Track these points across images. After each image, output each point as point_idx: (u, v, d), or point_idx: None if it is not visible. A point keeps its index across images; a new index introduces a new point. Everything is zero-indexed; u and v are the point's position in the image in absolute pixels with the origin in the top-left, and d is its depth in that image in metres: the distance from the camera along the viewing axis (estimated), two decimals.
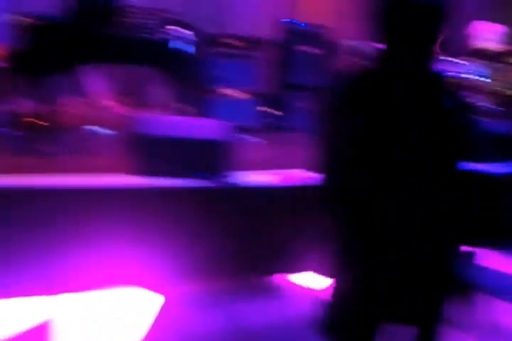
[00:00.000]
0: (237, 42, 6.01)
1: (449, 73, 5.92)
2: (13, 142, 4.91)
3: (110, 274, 3.26)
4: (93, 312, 3.11)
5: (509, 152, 4.04)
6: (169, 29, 4.68)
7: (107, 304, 3.19)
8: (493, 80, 5.81)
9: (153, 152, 3.51)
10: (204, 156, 3.50)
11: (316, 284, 3.48)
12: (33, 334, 2.91)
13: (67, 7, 4.45)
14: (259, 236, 3.53)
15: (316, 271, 3.54)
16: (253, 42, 6.11)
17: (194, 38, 5.84)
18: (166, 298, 3.33)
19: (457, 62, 5.94)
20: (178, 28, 4.73)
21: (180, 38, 4.74)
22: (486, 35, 6.07)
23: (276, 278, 3.73)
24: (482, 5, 7.84)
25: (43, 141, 4.15)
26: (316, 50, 6.36)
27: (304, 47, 6.32)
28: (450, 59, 6.04)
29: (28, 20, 4.35)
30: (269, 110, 6.08)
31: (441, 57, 5.98)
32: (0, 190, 3.09)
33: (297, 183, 3.59)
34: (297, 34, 6.37)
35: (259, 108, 6.07)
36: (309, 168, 3.26)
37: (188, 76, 5.40)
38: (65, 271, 3.17)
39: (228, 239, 3.52)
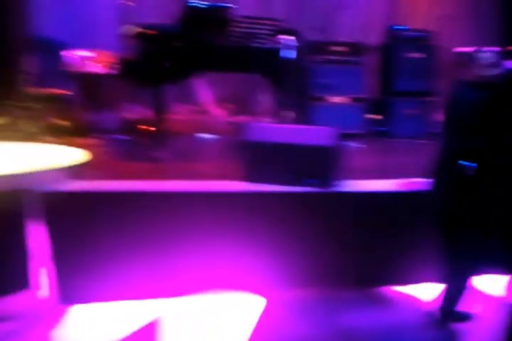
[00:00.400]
0: (342, 49, 5.94)
1: None
2: (124, 148, 5.14)
3: (216, 277, 3.29)
4: (198, 315, 3.13)
5: None
6: (278, 38, 4.68)
7: (212, 307, 3.21)
8: None
9: (261, 158, 3.51)
10: (313, 163, 3.44)
11: (428, 295, 3.34)
12: (141, 336, 2.97)
13: (180, 17, 4.57)
14: (371, 245, 3.42)
15: (430, 281, 3.38)
16: (358, 49, 6.01)
17: (301, 46, 5.85)
18: (270, 302, 3.30)
19: None
20: (287, 37, 4.72)
21: (289, 46, 4.72)
22: None
23: (388, 289, 3.59)
24: None
25: (154, 147, 4.28)
26: (421, 55, 6.16)
27: (409, 53, 6.15)
28: None
29: (140, 30, 4.48)
30: (374, 116, 5.93)
31: None
32: (112, 194, 3.21)
33: (412, 190, 3.45)
34: (402, 39, 6.22)
35: (364, 114, 5.95)
36: (420, 175, 3.09)
37: (295, 83, 5.39)
38: (173, 274, 3.24)
39: (339, 247, 3.43)
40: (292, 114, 5.43)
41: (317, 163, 3.45)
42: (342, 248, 3.45)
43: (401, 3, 6.82)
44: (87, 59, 5.36)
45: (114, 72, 5.14)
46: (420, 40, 6.26)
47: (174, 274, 3.25)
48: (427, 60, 6.24)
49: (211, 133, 5.18)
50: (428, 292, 3.41)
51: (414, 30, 6.31)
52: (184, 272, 3.26)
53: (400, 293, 3.50)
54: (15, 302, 2.70)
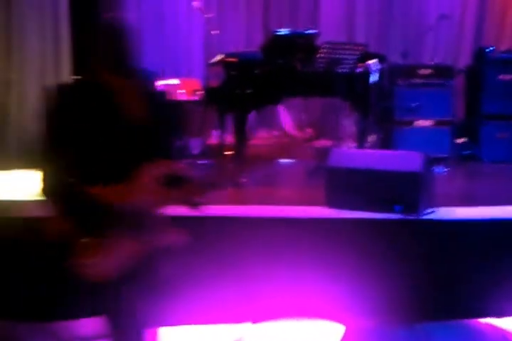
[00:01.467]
0: (428, 72, 5.80)
1: None
2: (207, 172, 5.17)
3: (297, 304, 3.22)
4: None
5: None
6: (365, 63, 4.65)
7: (292, 333, 3.16)
8: None
9: (347, 184, 3.44)
10: (400, 189, 3.33)
11: None
12: None
13: (264, 45, 4.66)
14: (461, 275, 3.25)
15: None
16: (444, 71, 5.84)
17: (386, 70, 5.78)
18: (350, 330, 3.21)
19: None
20: (371, 61, 4.67)
21: (373, 70, 4.67)
22: None
23: (478, 321, 3.40)
24: None
25: (237, 172, 4.29)
26: (510, 77, 5.90)
27: (498, 75, 5.90)
28: None
29: (223, 57, 4.59)
30: (463, 140, 5.72)
31: None
32: (195, 218, 3.20)
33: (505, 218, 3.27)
34: (491, 61, 5.98)
35: (451, 138, 5.74)
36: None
37: (379, 107, 5.31)
38: (255, 300, 3.22)
39: (424, 277, 3.29)
40: (375, 139, 5.33)
41: (405, 190, 3.34)
42: (428, 278, 3.30)
43: (488, 24, 6.60)
44: (173, 87, 5.55)
45: (199, 98, 5.31)
46: (509, 61, 6.01)
47: (256, 299, 3.23)
48: None
49: (293, 158, 5.16)
50: None
51: (503, 52, 6.06)
52: (266, 298, 3.24)
53: (491, 326, 3.31)
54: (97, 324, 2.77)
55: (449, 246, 3.29)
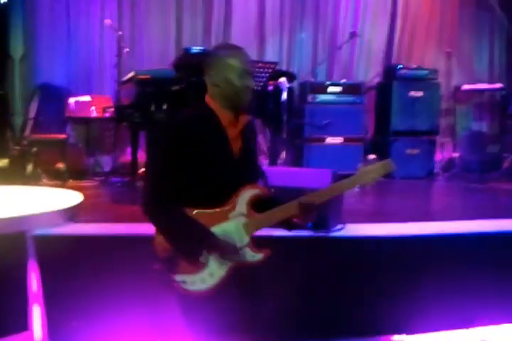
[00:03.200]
0: (338, 89, 5.85)
1: None
2: (120, 190, 5.00)
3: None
4: None
5: None
6: (275, 80, 4.61)
7: None
8: None
9: None
10: None
11: None
12: None
13: (177, 62, 4.55)
14: (368, 291, 3.20)
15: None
16: (355, 89, 5.92)
17: (297, 87, 5.78)
18: None
19: None
20: (282, 79, 4.64)
21: (284, 88, 4.64)
22: None
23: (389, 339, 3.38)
24: None
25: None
26: (421, 94, 6.06)
27: (408, 91, 6.04)
28: None
29: (135, 75, 4.45)
30: (374, 157, 5.77)
31: None
32: (106, 237, 3.00)
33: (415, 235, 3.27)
34: (401, 78, 6.12)
35: (361, 154, 5.79)
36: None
37: (291, 125, 5.28)
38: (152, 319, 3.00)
39: (334, 291, 3.22)
40: (287, 156, 5.29)
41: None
42: (338, 294, 3.22)
43: (398, 42, 6.79)
44: (84, 104, 5.49)
45: (110, 115, 5.12)
46: (419, 79, 6.18)
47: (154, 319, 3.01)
48: (427, 98, 6.13)
49: None
50: None
51: (412, 69, 6.22)
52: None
53: None
54: None
55: (357, 263, 3.23)
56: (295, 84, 5.68)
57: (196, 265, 1.91)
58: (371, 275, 3.20)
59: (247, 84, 1.97)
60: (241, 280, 2.00)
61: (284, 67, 6.09)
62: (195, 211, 1.93)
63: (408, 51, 6.77)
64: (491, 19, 7.08)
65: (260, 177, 2.27)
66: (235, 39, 6.15)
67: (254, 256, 1.99)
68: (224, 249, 1.92)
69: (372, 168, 2.08)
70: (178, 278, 1.91)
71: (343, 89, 5.92)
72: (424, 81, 6.17)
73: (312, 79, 6.01)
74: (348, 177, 2.09)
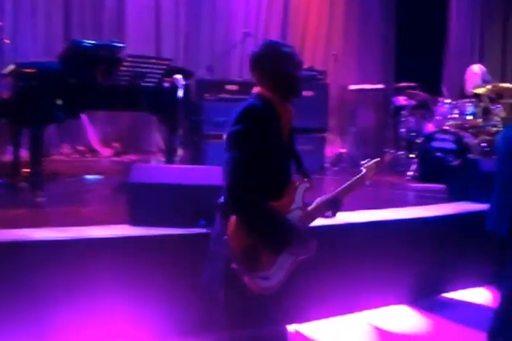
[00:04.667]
0: (234, 87, 5.96)
1: (449, 115, 5.94)
2: (1, 193, 4.77)
3: (101, 328, 3.02)
4: None
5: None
6: (169, 77, 4.62)
7: None
8: (484, 119, 5.87)
9: (150, 201, 3.33)
10: (203, 203, 3.31)
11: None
12: None
13: (64, 56, 4.39)
14: None
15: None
16: (251, 87, 6.04)
17: (192, 84, 5.81)
18: None
19: (456, 104, 5.99)
20: (177, 75, 4.66)
21: (179, 84, 4.66)
22: (479, 76, 6.18)
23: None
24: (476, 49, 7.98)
25: (32, 191, 3.98)
26: (311, 93, 6.31)
27: (303, 91, 6.23)
28: (450, 101, 6.06)
29: (17, 68, 4.23)
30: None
31: (445, 101, 6.04)
32: None
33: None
34: None
35: None
36: None
37: (186, 122, 5.31)
38: (55, 324, 2.96)
39: None
40: (184, 153, 5.33)
41: (208, 204, 3.33)
42: None
43: (290, 43, 7.01)
44: None
45: None
46: (309, 79, 6.42)
47: (54, 324, 2.96)
48: (316, 97, 6.39)
49: (98, 174, 4.94)
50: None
51: (304, 69, 6.45)
52: (70, 322, 2.98)
53: (298, 333, 3.44)
54: None
55: None
56: (192, 81, 5.73)
57: (273, 258, 1.94)
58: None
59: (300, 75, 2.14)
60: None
61: (180, 65, 6.13)
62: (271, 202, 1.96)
63: (299, 52, 7.03)
64: (375, 25, 7.51)
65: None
66: (129, 35, 6.12)
67: (310, 249, 2.06)
68: (303, 240, 1.98)
69: (372, 165, 2.36)
70: (258, 274, 1.91)
71: (240, 87, 6.04)
72: (313, 81, 6.44)
73: (209, 77, 6.09)
74: (358, 176, 2.34)
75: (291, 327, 3.40)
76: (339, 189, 2.23)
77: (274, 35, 6.92)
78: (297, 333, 3.37)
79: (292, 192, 2.07)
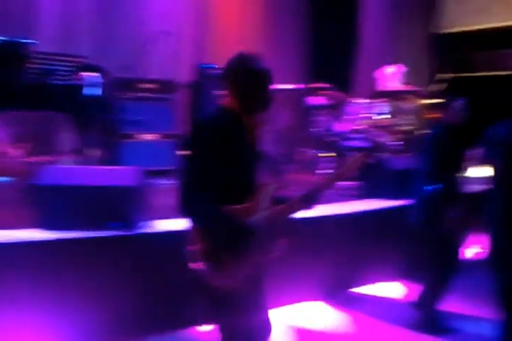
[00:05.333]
0: (151, 86, 5.89)
1: (362, 114, 6.14)
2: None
3: (15, 333, 2.94)
4: None
5: (410, 187, 4.13)
6: (81, 74, 4.48)
7: None
8: (395, 118, 6.12)
9: (59, 203, 3.23)
10: (114, 205, 3.26)
11: None
12: None
13: None
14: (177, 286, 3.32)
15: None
16: (167, 86, 6.00)
17: (107, 83, 5.67)
18: None
19: (368, 103, 6.19)
20: (90, 73, 4.53)
21: (92, 83, 4.54)
22: (390, 76, 6.41)
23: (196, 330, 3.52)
24: (388, 49, 8.28)
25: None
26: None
27: (216, 90, 6.28)
28: (362, 101, 6.26)
29: None
30: (185, 152, 5.91)
31: (355, 100, 6.24)
32: None
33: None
34: (210, 77, 6.34)
35: (175, 150, 5.90)
36: None
37: (101, 121, 5.18)
38: None
39: (148, 288, 3.29)
40: (99, 153, 5.20)
41: (119, 205, 3.28)
42: (152, 291, 3.30)
43: (209, 41, 7.02)
44: None
45: None
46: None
47: None
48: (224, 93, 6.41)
49: (6, 176, 4.72)
50: None
51: (221, 69, 6.45)
52: None
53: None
54: None
55: (165, 257, 3.33)
56: (107, 79, 5.59)
57: (237, 257, 2.03)
58: (181, 268, 3.32)
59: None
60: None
61: (95, 62, 5.96)
62: (226, 207, 2.02)
63: (219, 52, 7.04)
64: (290, 26, 7.63)
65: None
66: (41, 32, 5.88)
67: (276, 248, 2.17)
68: (259, 239, 2.06)
69: (355, 159, 2.39)
70: (224, 273, 2.02)
71: (156, 86, 5.97)
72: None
73: (125, 76, 5.97)
74: (340, 169, 2.46)
75: (205, 328, 3.43)
76: (313, 186, 2.29)
77: (192, 34, 6.89)
78: (212, 333, 3.37)
79: (258, 194, 2.14)
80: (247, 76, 2.17)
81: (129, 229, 3.27)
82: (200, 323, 3.46)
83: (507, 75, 7.72)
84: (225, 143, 2.07)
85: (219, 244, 2.02)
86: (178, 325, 3.47)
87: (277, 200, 2.22)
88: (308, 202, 2.26)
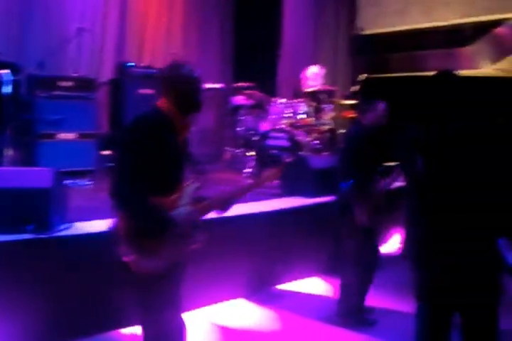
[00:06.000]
0: (69, 84, 5.72)
1: (284, 114, 6.24)
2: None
3: None
4: None
5: (330, 184, 4.27)
6: None
7: None
8: (315, 118, 6.27)
9: None
10: (31, 207, 3.15)
11: None
12: None
13: None
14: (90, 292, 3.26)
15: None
16: (86, 84, 5.85)
17: (22, 80, 5.47)
18: None
19: (290, 103, 6.30)
20: (6, 71, 4.35)
21: (9, 81, 4.36)
22: (312, 77, 6.55)
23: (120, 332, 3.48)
24: (310, 50, 8.46)
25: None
26: (151, 91, 6.25)
27: (138, 89, 6.19)
28: (284, 101, 6.36)
29: None
30: (108, 153, 5.81)
31: (280, 100, 6.33)
32: None
33: None
34: (131, 75, 6.25)
35: (95, 150, 5.77)
36: None
37: (16, 120, 4.99)
38: None
39: (68, 292, 3.21)
40: (15, 154, 5.02)
41: (35, 207, 3.18)
42: (71, 295, 3.23)
43: (129, 40, 6.91)
44: None
45: None
46: (149, 77, 6.36)
47: None
48: (157, 95, 6.35)
49: None
50: None
51: (144, 67, 6.38)
52: None
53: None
54: None
55: (83, 261, 3.26)
56: (22, 77, 5.39)
57: (159, 243, 2.27)
58: (101, 270, 3.26)
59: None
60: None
61: (8, 59, 5.73)
62: (154, 199, 2.26)
63: (139, 50, 6.95)
64: (214, 24, 7.64)
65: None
66: None
67: (196, 240, 2.39)
68: (181, 230, 2.30)
69: (270, 172, 2.67)
70: (146, 256, 2.26)
71: (75, 84, 5.80)
72: (154, 79, 6.39)
73: (41, 73, 5.77)
74: (257, 179, 2.70)
75: (128, 330, 3.39)
76: (231, 191, 2.56)
77: (112, 32, 6.74)
78: (134, 336, 3.34)
79: (182, 190, 2.39)
80: (182, 83, 2.42)
81: (45, 231, 3.17)
82: (125, 325, 3.42)
83: (423, 76, 8.06)
84: (158, 142, 2.29)
85: (144, 230, 2.26)
86: (101, 327, 3.41)
87: (198, 199, 2.45)
88: (223, 206, 2.54)
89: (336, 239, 4.08)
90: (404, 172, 2.84)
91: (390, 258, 5.26)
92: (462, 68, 7.66)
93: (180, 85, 2.41)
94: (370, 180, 3.72)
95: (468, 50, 7.67)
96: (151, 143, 2.26)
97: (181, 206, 2.36)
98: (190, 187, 2.42)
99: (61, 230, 3.28)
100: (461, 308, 2.55)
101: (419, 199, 2.68)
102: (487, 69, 7.35)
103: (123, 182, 2.26)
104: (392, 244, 5.85)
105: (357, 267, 3.79)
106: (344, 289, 3.83)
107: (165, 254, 2.30)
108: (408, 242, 2.97)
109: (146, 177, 2.26)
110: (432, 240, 2.55)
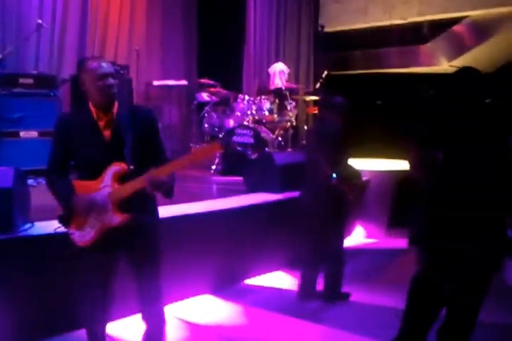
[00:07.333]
0: (30, 81, 5.63)
1: (248, 111, 6.28)
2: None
3: None
4: None
5: (295, 180, 4.34)
6: None
7: None
8: (279, 115, 6.34)
9: None
10: None
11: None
12: None
13: None
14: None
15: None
16: (47, 81, 5.77)
17: None
18: None
19: (254, 100, 6.34)
20: None
21: None
22: (276, 74, 6.61)
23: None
24: (275, 47, 8.51)
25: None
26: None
27: None
28: (249, 98, 6.40)
29: None
30: None
31: (243, 97, 6.36)
32: None
33: None
34: None
35: None
36: None
37: None
38: None
39: (29, 293, 3.18)
40: None
41: None
42: (34, 295, 3.20)
43: (91, 36, 6.83)
44: None
45: None
46: (116, 74, 6.30)
47: None
48: (120, 92, 6.30)
49: None
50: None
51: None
52: None
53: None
54: None
55: (43, 262, 3.23)
56: None
57: (81, 220, 2.59)
58: (63, 270, 3.25)
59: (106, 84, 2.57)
60: None
61: None
62: (75, 182, 2.64)
63: (101, 46, 6.88)
64: (177, 21, 7.61)
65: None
66: None
67: (113, 219, 2.56)
68: (81, 211, 2.56)
69: (204, 148, 2.66)
70: (74, 230, 2.61)
71: (35, 81, 5.72)
72: (116, 75, 6.34)
73: (1, 71, 5.66)
74: (186, 155, 2.58)
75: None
76: (161, 167, 2.51)
77: (73, 28, 6.65)
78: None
79: (103, 174, 2.57)
80: (84, 74, 2.62)
81: (8, 232, 3.14)
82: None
83: (384, 73, 8.20)
84: (69, 133, 2.59)
85: (64, 210, 2.62)
86: (64, 327, 3.39)
87: (123, 179, 2.57)
88: (154, 184, 2.48)
89: (301, 232, 4.14)
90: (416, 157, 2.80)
91: (355, 250, 5.40)
92: (420, 65, 7.86)
93: (83, 80, 2.62)
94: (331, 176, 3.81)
95: (426, 47, 7.84)
96: (61, 134, 2.62)
97: (103, 188, 2.57)
98: (110, 170, 2.56)
99: (24, 230, 3.24)
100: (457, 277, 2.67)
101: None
102: (443, 66, 7.53)
103: (48, 169, 2.68)
104: (356, 236, 5.99)
105: (320, 260, 3.91)
106: (303, 282, 3.97)
107: (91, 230, 2.58)
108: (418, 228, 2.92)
109: (61, 164, 2.64)
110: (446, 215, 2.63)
